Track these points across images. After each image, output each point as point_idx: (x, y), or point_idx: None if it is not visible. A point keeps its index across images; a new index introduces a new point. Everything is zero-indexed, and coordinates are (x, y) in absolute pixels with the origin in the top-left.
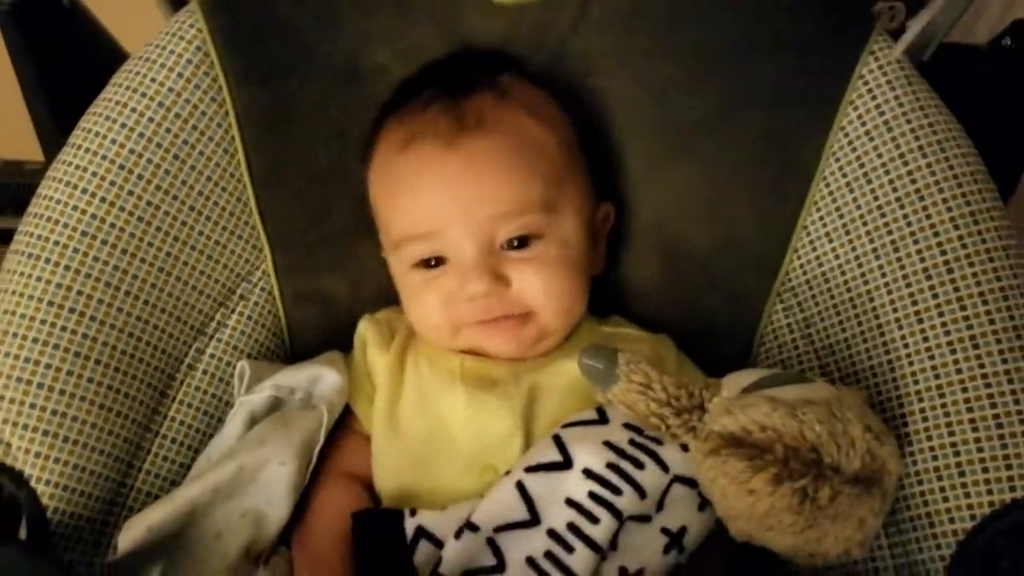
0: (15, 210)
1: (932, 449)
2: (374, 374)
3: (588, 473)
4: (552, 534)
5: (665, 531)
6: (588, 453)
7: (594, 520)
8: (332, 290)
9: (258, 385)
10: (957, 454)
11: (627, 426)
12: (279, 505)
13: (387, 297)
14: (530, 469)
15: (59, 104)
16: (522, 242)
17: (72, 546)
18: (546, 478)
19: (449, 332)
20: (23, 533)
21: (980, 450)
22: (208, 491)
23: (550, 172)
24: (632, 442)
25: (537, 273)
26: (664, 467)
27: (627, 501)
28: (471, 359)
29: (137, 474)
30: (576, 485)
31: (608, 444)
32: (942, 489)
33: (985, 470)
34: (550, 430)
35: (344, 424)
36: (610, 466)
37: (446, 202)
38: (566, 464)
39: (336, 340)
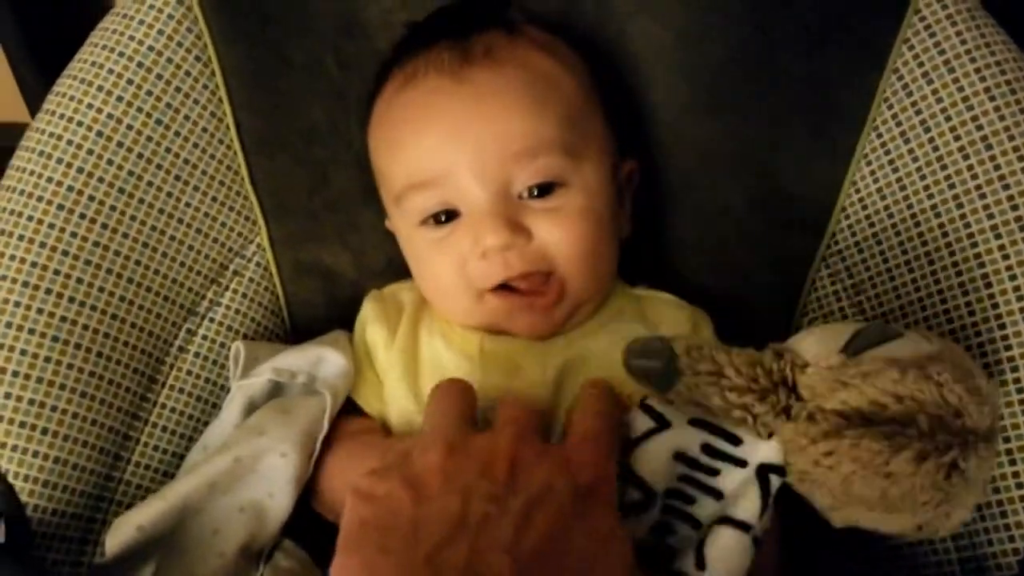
0: None
1: (1004, 429)
2: (375, 354)
3: (667, 495)
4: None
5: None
6: (662, 478)
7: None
8: (334, 263)
9: (256, 368)
10: None
11: (694, 423)
12: (280, 497)
13: (395, 270)
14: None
15: (45, 62)
16: (543, 190)
17: (56, 545)
18: (637, 519)
19: (470, 300)
20: (1, 534)
21: None
22: (203, 486)
23: (569, 111)
24: (705, 448)
25: (561, 225)
26: (742, 463)
27: (701, 507)
28: (491, 339)
29: (126, 466)
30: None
31: (680, 457)
32: (1015, 475)
33: None
34: None
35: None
36: (683, 478)
37: (453, 141)
38: (649, 500)
39: (339, 317)
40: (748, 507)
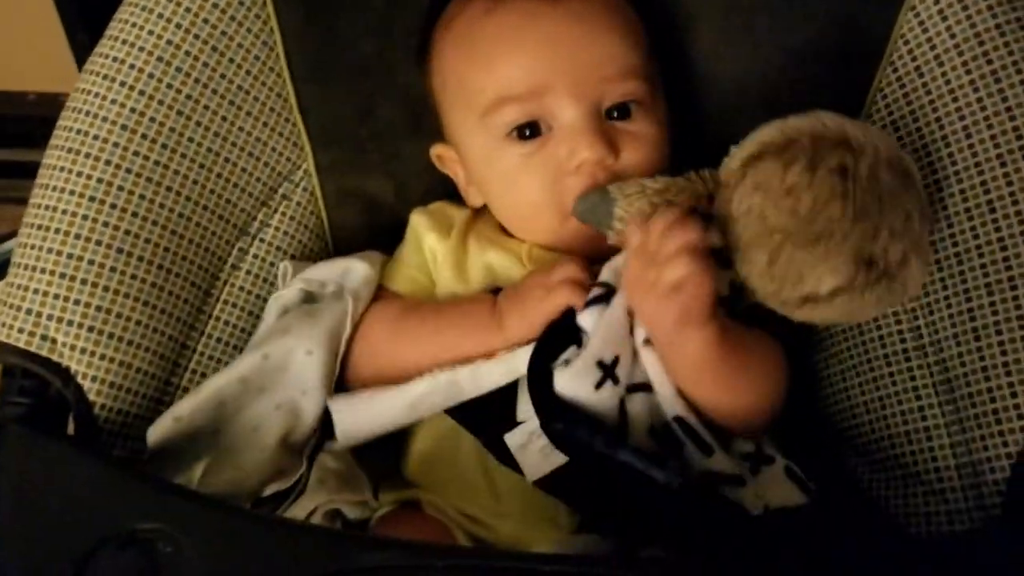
0: None
1: (1001, 343)
2: (433, 261)
3: None
4: None
5: None
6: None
7: None
8: (376, 191)
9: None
10: None
11: None
12: (313, 393)
13: (434, 199)
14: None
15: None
16: (623, 112)
17: (120, 443)
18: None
19: (554, 218)
20: (71, 429)
21: None
22: (233, 381)
23: (644, 45)
24: None
25: (642, 148)
26: None
27: None
28: (539, 249)
29: (184, 373)
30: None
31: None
32: (1010, 384)
33: None
34: None
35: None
36: None
37: (551, 58)
38: (609, 293)
39: (379, 242)
40: None
